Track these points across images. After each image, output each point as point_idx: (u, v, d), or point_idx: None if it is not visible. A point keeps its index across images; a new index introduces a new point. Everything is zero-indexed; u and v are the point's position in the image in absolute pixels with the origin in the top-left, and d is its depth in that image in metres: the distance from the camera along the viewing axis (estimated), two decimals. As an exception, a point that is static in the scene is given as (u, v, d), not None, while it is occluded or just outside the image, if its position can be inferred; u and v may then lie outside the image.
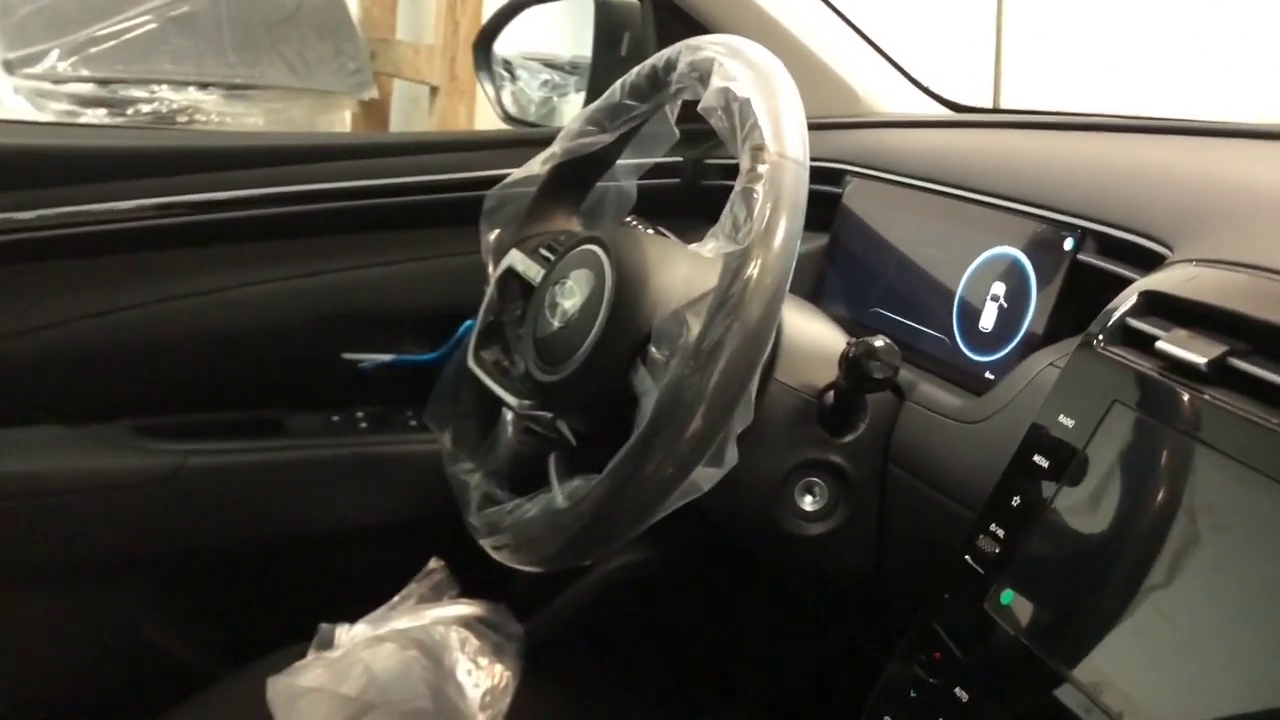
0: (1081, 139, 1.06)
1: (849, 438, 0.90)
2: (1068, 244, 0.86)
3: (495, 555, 0.89)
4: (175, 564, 1.29)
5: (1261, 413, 0.58)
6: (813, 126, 1.29)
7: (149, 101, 2.63)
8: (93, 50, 2.60)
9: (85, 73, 2.59)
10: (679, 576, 1.49)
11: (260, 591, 1.34)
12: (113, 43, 2.62)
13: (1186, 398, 0.62)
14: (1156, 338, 0.65)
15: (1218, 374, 0.62)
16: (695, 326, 0.75)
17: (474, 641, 1.19)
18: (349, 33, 2.99)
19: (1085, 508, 0.66)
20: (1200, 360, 0.62)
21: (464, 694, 1.11)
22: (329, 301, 1.33)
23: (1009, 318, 0.91)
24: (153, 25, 2.66)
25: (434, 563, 1.34)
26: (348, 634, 1.20)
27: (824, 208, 1.18)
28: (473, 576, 1.36)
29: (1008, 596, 0.68)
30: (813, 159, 1.21)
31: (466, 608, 1.26)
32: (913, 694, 0.71)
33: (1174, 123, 1.01)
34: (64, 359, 1.22)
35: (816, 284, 1.16)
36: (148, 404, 1.29)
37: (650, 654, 1.46)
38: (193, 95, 2.69)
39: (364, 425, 1.38)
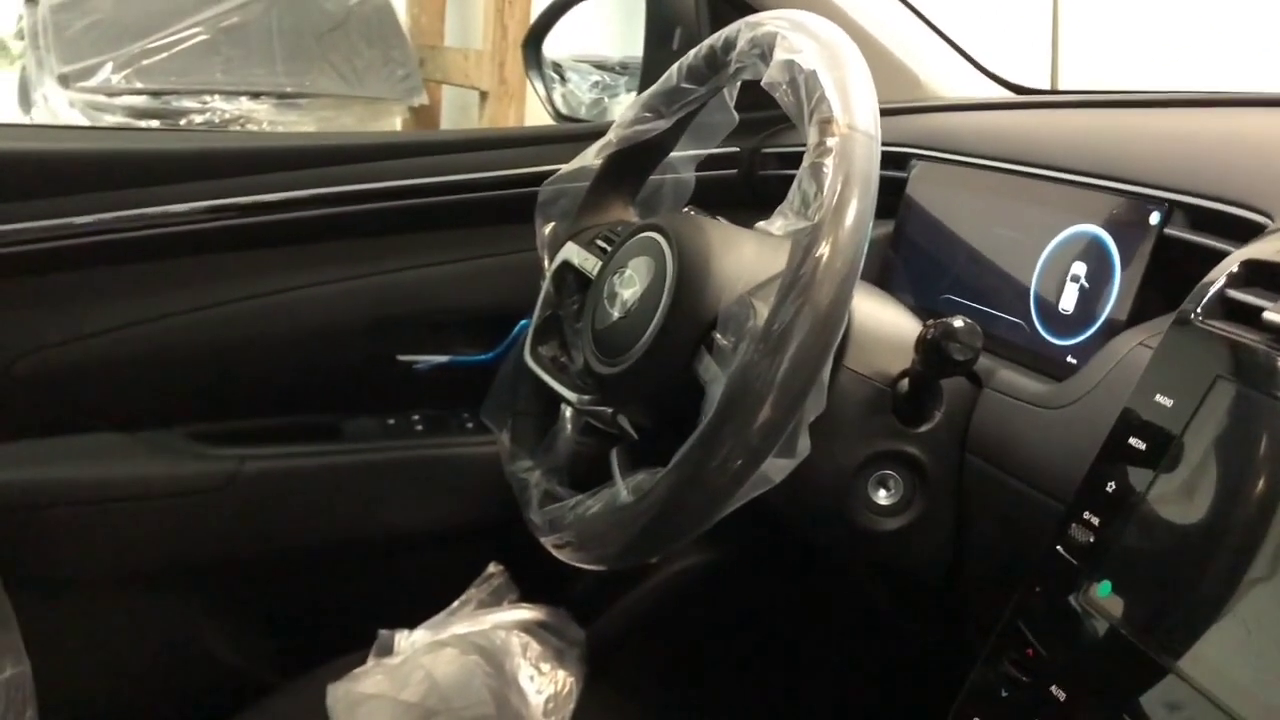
0: (1158, 114, 1.02)
1: (925, 427, 0.86)
2: (1154, 218, 0.82)
3: (558, 554, 0.86)
4: (232, 570, 1.27)
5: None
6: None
7: (201, 112, 2.66)
8: (145, 62, 2.63)
9: (139, 85, 2.62)
10: (743, 580, 1.45)
11: (318, 597, 1.32)
12: (165, 54, 2.65)
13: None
14: (1263, 308, 0.61)
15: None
16: (763, 310, 0.71)
17: (535, 647, 1.17)
18: (398, 40, 3.00)
19: (1187, 492, 0.62)
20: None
21: (527, 700, 1.08)
22: (382, 303, 1.31)
23: (1091, 299, 0.87)
24: (204, 36, 2.68)
25: (493, 567, 1.32)
26: (407, 640, 1.18)
27: (889, 194, 1.14)
28: (532, 581, 1.33)
29: (1105, 588, 0.63)
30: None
31: (527, 612, 1.24)
32: (1004, 694, 0.67)
33: (1255, 96, 0.96)
34: (120, 364, 1.21)
35: (883, 272, 1.11)
36: (203, 409, 1.27)
37: (714, 659, 1.43)
38: (244, 105, 2.71)
39: (420, 428, 1.36)
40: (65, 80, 2.56)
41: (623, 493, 0.77)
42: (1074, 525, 0.67)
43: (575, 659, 1.20)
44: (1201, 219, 0.78)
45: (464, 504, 1.36)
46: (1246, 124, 0.89)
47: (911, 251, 1.11)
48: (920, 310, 1.02)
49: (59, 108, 2.61)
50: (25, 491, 1.16)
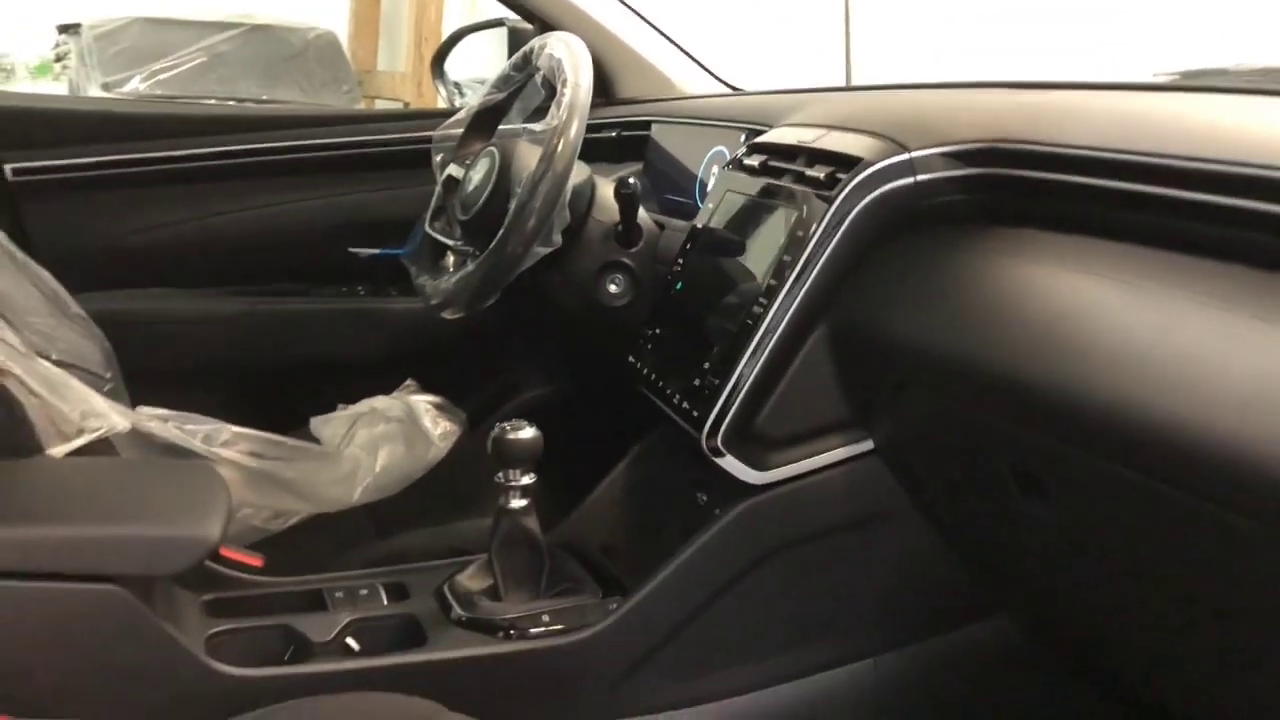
0: (770, 95, 1.65)
1: (633, 250, 1.43)
2: (743, 138, 1.43)
3: (438, 313, 1.42)
4: (248, 374, 1.83)
5: (775, 179, 1.15)
6: (638, 100, 1.86)
7: (202, 112, 3.23)
8: (162, 76, 3.19)
9: (158, 92, 3.17)
10: (586, 403, 1.89)
11: (298, 397, 1.85)
12: (176, 71, 3.22)
13: (752, 179, 1.20)
14: (742, 158, 1.23)
15: (764, 169, 1.19)
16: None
17: (432, 409, 1.73)
18: (342, 64, 3.58)
19: (711, 242, 1.24)
20: (755, 162, 1.19)
21: (425, 427, 1.65)
22: (341, 214, 1.88)
23: (719, 183, 1.48)
24: (203, 59, 3.25)
25: (409, 381, 1.87)
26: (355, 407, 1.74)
27: (639, 145, 1.76)
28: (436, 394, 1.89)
29: (680, 286, 1.25)
30: (632, 116, 1.78)
31: (426, 395, 1.80)
32: (643, 341, 1.28)
33: (819, 87, 1.59)
34: (185, 245, 1.79)
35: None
36: (230, 276, 1.84)
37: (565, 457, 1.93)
38: (232, 108, 3.26)
39: (361, 292, 1.93)
40: (106, 88, 3.11)
41: (469, 266, 1.35)
42: (674, 267, 1.28)
43: (460, 421, 1.76)
44: (759, 134, 1.40)
45: (390, 341, 1.91)
46: (801, 98, 1.51)
47: (652, 174, 1.72)
48: (654, 209, 1.62)
49: (98, 107, 3.17)
50: (136, 315, 1.72)
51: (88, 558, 0.90)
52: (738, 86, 1.99)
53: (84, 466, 1.04)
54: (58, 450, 1.04)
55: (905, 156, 0.97)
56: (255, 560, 1.18)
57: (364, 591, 1.16)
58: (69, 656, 0.91)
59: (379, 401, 1.64)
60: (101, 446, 1.11)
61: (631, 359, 1.29)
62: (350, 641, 1.08)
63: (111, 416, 1.09)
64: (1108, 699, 1.09)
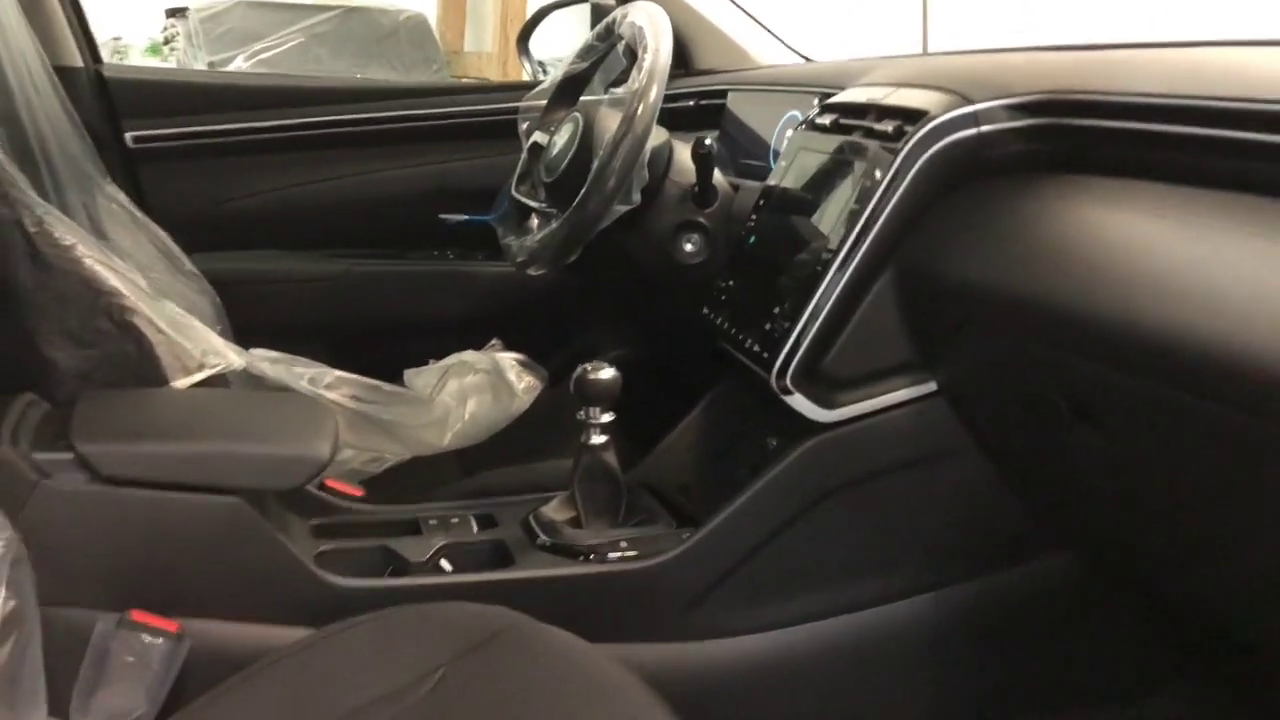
0: (830, 63, 1.68)
1: (708, 210, 1.47)
2: (815, 101, 1.47)
3: (523, 270, 1.48)
4: (344, 331, 1.92)
5: (846, 135, 1.19)
6: (714, 71, 1.90)
7: (300, 90, 3.36)
8: (263, 56, 3.33)
9: (260, 70, 3.30)
10: (661, 362, 1.97)
11: (390, 353, 1.93)
12: (275, 50, 3.35)
13: (824, 136, 1.24)
14: (815, 118, 1.27)
15: (835, 126, 1.23)
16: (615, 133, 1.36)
17: (516, 365, 1.80)
18: (431, 45, 3.69)
19: (784, 198, 1.28)
20: (826, 121, 1.23)
21: (511, 380, 1.72)
22: (431, 182, 1.96)
23: (793, 146, 1.52)
24: (301, 40, 3.39)
25: (495, 340, 1.95)
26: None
27: (716, 114, 1.80)
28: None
29: (753, 240, 1.29)
30: (710, 86, 1.82)
31: (512, 353, 1.87)
32: (716, 293, 1.33)
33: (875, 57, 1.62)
34: (283, 210, 1.87)
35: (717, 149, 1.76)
36: (329, 239, 1.93)
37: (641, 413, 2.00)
38: (331, 79, 3.38)
39: (451, 256, 2.01)
40: (211, 67, 3.25)
41: (553, 225, 1.41)
42: (747, 223, 1.33)
43: (541, 377, 1.83)
44: (830, 96, 1.43)
45: (477, 303, 1.99)
46: (873, 63, 1.55)
47: (728, 141, 1.77)
48: (730, 172, 1.66)
49: (204, 85, 3.32)
50: (242, 274, 1.82)
51: (213, 471, 0.99)
52: (811, 58, 2.02)
53: (206, 395, 1.12)
54: (181, 383, 1.13)
55: (969, 109, 1.01)
56: (356, 491, 1.27)
57: (455, 520, 1.23)
58: (194, 561, 1.00)
59: (467, 355, 1.71)
60: (218, 382, 1.19)
61: (706, 310, 1.34)
62: (444, 563, 1.16)
63: (229, 355, 1.17)
64: (1167, 628, 1.11)
